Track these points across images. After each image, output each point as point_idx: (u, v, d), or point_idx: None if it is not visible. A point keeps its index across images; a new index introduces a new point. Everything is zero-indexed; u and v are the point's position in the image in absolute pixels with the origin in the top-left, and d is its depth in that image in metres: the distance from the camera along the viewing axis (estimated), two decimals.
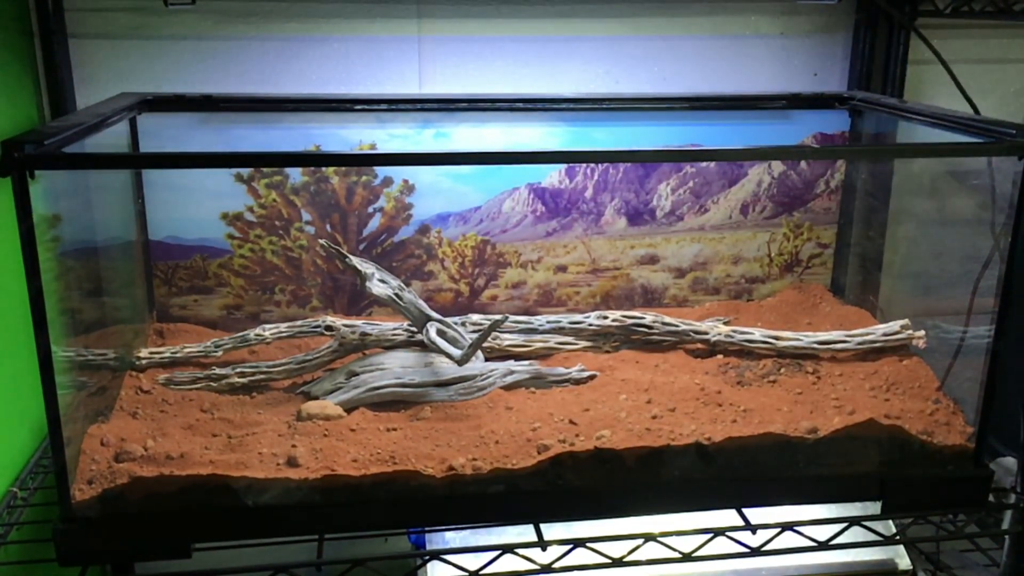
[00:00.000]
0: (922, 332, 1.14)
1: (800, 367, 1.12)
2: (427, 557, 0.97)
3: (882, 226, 1.32)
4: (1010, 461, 1.06)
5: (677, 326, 1.19)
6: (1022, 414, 1.03)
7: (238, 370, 1.09)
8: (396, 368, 1.07)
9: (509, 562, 0.91)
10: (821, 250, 1.38)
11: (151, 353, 1.13)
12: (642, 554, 0.94)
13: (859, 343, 1.15)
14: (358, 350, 1.13)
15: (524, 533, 0.94)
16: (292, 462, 0.90)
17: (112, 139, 1.06)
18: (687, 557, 0.94)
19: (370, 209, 1.26)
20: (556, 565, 0.92)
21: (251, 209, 1.23)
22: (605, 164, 1.28)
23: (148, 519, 0.87)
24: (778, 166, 1.33)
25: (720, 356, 1.17)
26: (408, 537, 1.20)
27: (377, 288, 1.09)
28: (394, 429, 0.98)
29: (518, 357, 1.15)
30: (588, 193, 1.31)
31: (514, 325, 1.19)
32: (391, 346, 1.13)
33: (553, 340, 1.19)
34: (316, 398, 1.04)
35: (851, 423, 0.96)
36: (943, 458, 0.98)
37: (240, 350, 1.15)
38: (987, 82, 1.35)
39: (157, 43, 1.21)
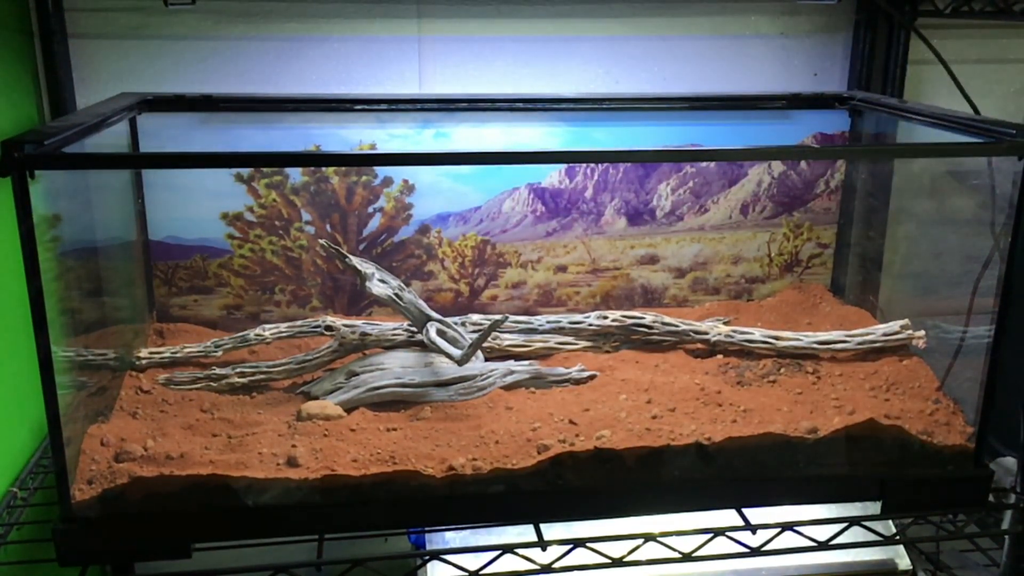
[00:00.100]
0: (922, 332, 1.14)
1: (800, 367, 1.12)
2: (427, 557, 0.97)
3: (882, 226, 1.32)
4: (1010, 461, 1.06)
5: (677, 326, 1.19)
6: (1022, 414, 1.03)
7: (238, 370, 1.09)
8: (396, 368, 1.07)
9: (509, 562, 0.91)
10: (821, 250, 1.38)
11: (151, 353, 1.13)
12: (642, 554, 0.94)
13: (859, 343, 1.15)
14: (358, 350, 1.13)
15: (524, 533, 0.94)
16: (292, 462, 0.90)
17: (112, 139, 1.06)
18: (687, 557, 0.94)
19: (370, 209, 1.26)
20: (556, 565, 0.92)
21: (251, 209, 1.23)
22: (605, 164, 1.28)
23: (148, 519, 0.87)
24: (778, 166, 1.33)
25: (720, 356, 1.17)
26: (408, 537, 1.20)
27: (377, 288, 1.09)
28: (394, 429, 0.98)
29: (518, 357, 1.15)
30: (588, 193, 1.31)
31: (514, 325, 1.19)
32: (391, 346, 1.13)
33: (553, 340, 1.19)
34: (316, 398, 1.04)
35: (851, 423, 0.96)
36: (943, 458, 0.98)
37: (240, 350, 1.15)
38: (987, 82, 1.35)
39: (157, 43, 1.21)
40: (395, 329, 1.14)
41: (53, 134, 0.82)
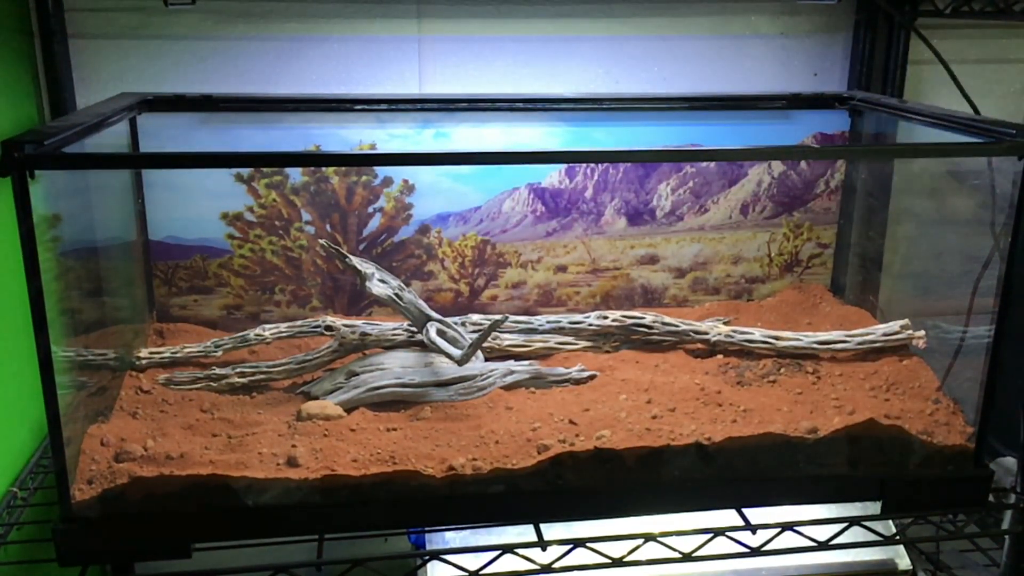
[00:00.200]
0: (922, 332, 1.14)
1: (800, 367, 1.12)
2: (427, 557, 0.97)
3: (882, 226, 1.32)
4: (1010, 461, 1.06)
5: (677, 326, 1.19)
6: (1022, 414, 1.03)
7: (238, 370, 1.09)
8: (396, 368, 1.07)
9: (509, 562, 0.91)
10: (821, 250, 1.38)
11: (151, 353, 1.13)
12: (642, 554, 0.94)
13: (859, 343, 1.15)
14: (358, 350, 1.13)
15: (524, 533, 0.94)
16: (292, 462, 0.90)
17: (112, 139, 1.06)
18: (687, 557, 0.94)
19: (370, 209, 1.26)
20: (556, 565, 0.92)
21: (251, 209, 1.23)
22: (605, 164, 1.28)
23: (148, 519, 0.87)
24: (778, 166, 1.33)
25: (720, 356, 1.17)
26: (408, 537, 1.20)
27: (377, 288, 1.09)
28: (394, 429, 0.98)
29: (518, 357, 1.15)
30: (588, 193, 1.31)
31: (514, 325, 1.19)
32: (391, 346, 1.13)
33: (553, 340, 1.19)
34: (316, 398, 1.04)
35: (851, 423, 0.96)
36: (943, 458, 0.98)
37: (240, 350, 1.15)
38: (987, 82, 1.35)
39: (157, 43, 1.21)
40: (395, 329, 1.14)
41: (53, 134, 0.82)
